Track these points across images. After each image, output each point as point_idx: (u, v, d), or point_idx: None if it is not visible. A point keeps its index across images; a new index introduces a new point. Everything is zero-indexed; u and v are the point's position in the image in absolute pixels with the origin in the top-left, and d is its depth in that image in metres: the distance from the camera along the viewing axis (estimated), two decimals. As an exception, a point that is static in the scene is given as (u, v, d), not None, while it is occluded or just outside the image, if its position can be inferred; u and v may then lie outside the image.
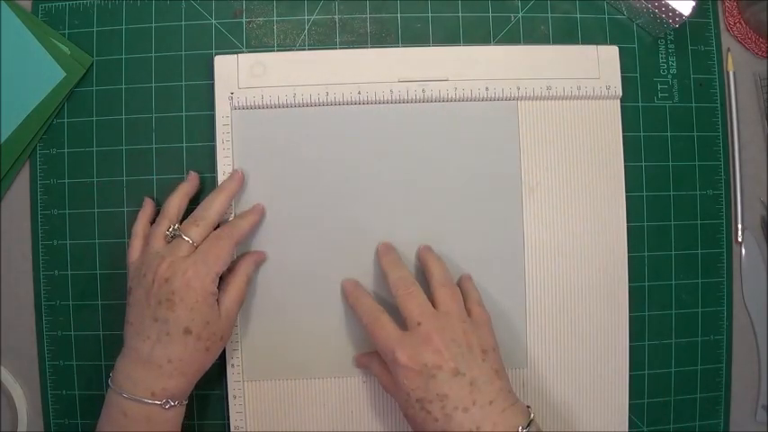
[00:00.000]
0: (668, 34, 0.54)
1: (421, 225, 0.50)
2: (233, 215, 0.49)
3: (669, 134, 0.53)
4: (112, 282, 0.51)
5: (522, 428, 0.40)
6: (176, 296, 0.42)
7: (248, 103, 0.50)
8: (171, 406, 0.42)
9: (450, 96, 0.50)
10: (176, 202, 0.47)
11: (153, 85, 0.51)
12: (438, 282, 0.45)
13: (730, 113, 0.54)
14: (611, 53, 0.52)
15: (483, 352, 0.42)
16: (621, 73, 0.52)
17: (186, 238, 0.44)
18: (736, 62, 0.54)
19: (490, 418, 0.40)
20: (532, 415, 0.41)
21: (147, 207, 0.49)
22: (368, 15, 0.52)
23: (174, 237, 0.45)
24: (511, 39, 0.53)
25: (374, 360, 0.47)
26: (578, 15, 0.53)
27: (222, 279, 0.46)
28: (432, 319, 0.42)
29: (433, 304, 0.44)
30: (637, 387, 0.52)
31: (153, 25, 0.52)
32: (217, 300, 0.44)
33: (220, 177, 0.50)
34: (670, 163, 0.53)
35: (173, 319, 0.42)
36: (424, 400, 0.40)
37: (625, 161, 0.52)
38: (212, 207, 0.46)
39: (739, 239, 0.54)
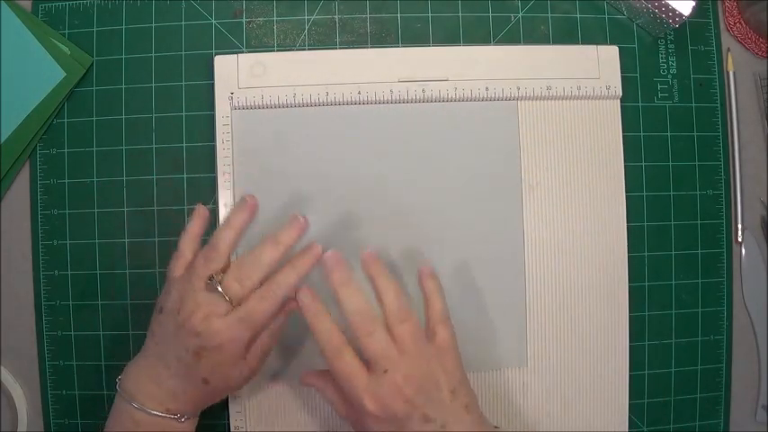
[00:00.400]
0: (668, 34, 0.54)
1: (421, 225, 0.50)
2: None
3: (669, 134, 0.53)
4: (112, 282, 0.51)
5: None
6: (204, 351, 0.40)
7: (248, 103, 0.50)
8: (186, 418, 0.42)
9: (450, 96, 0.50)
10: (229, 238, 0.43)
11: (153, 85, 0.51)
12: (436, 318, 0.42)
13: (730, 113, 0.54)
14: (611, 53, 0.52)
15: (451, 392, 0.40)
16: (621, 73, 0.52)
17: (227, 298, 0.41)
18: (736, 62, 0.54)
19: None
20: None
21: (199, 219, 0.45)
22: (368, 15, 0.52)
23: (214, 286, 0.41)
24: (511, 39, 0.53)
25: (328, 384, 0.44)
26: (578, 15, 0.53)
27: None
28: (399, 364, 0.40)
29: (395, 337, 0.40)
30: (637, 387, 0.52)
31: (153, 25, 0.52)
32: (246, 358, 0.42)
33: (220, 177, 0.50)
34: (670, 163, 0.53)
35: (195, 367, 0.40)
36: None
37: (625, 161, 0.52)
38: (263, 265, 0.42)
39: (739, 239, 0.54)
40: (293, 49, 0.52)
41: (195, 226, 0.45)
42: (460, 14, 0.53)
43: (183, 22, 0.52)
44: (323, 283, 0.42)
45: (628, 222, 0.51)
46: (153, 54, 0.51)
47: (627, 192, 0.52)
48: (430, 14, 0.53)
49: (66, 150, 0.51)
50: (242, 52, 0.51)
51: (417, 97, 0.50)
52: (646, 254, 0.52)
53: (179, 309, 0.41)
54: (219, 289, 0.40)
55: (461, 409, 0.40)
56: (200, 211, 0.45)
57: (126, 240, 0.51)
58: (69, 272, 0.51)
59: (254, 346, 0.43)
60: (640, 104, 0.53)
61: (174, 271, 0.43)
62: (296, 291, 0.42)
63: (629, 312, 0.51)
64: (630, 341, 0.51)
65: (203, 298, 0.41)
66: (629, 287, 0.51)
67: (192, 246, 0.44)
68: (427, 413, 0.39)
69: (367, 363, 0.40)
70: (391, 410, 0.39)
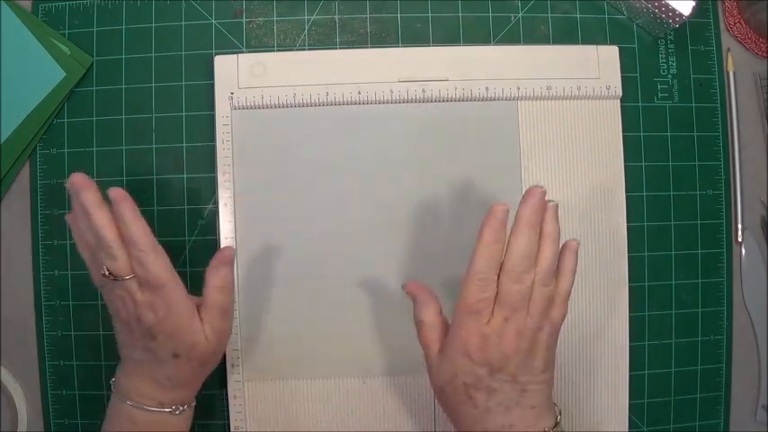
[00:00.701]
0: (668, 34, 0.54)
1: (421, 224, 0.50)
2: (227, 223, 0.49)
3: (669, 134, 0.53)
4: (112, 282, 0.51)
5: (550, 429, 0.40)
6: (155, 329, 0.40)
7: (248, 103, 0.50)
8: (181, 411, 0.42)
9: (450, 96, 0.50)
10: (98, 223, 0.40)
11: (153, 85, 0.51)
12: (560, 295, 0.41)
13: (730, 113, 0.54)
14: (611, 53, 0.52)
15: (545, 366, 0.41)
16: (621, 73, 0.52)
17: (124, 278, 0.40)
18: (736, 62, 0.54)
19: (525, 420, 0.40)
20: (559, 417, 0.41)
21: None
22: (368, 15, 0.52)
23: (111, 277, 0.40)
24: (511, 39, 0.53)
25: (431, 303, 0.43)
26: (578, 15, 0.53)
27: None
28: (519, 320, 0.39)
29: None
30: (637, 387, 0.52)
31: (153, 25, 0.52)
32: (202, 319, 0.42)
33: (220, 177, 0.50)
34: (670, 163, 0.53)
35: (159, 348, 0.41)
36: (471, 386, 0.40)
37: (625, 161, 0.52)
38: (103, 229, 0.39)
39: (739, 239, 0.54)
40: (293, 49, 0.52)
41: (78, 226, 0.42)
42: (460, 14, 0.53)
43: (183, 22, 0.52)
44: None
45: (628, 222, 0.51)
46: (153, 54, 0.51)
47: (627, 192, 0.51)
48: (430, 14, 0.53)
49: (66, 150, 0.51)
50: (242, 52, 0.51)
51: (417, 97, 0.50)
52: (646, 254, 0.52)
53: (116, 310, 0.41)
54: (113, 277, 0.40)
55: (545, 383, 0.41)
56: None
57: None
58: (69, 272, 0.51)
59: (206, 304, 0.42)
60: (640, 104, 0.53)
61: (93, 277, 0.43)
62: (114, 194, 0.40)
63: (629, 312, 0.51)
64: (630, 341, 0.51)
65: (119, 289, 0.40)
66: (629, 287, 0.51)
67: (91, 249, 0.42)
68: (517, 375, 0.39)
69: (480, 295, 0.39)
70: (488, 355, 0.39)
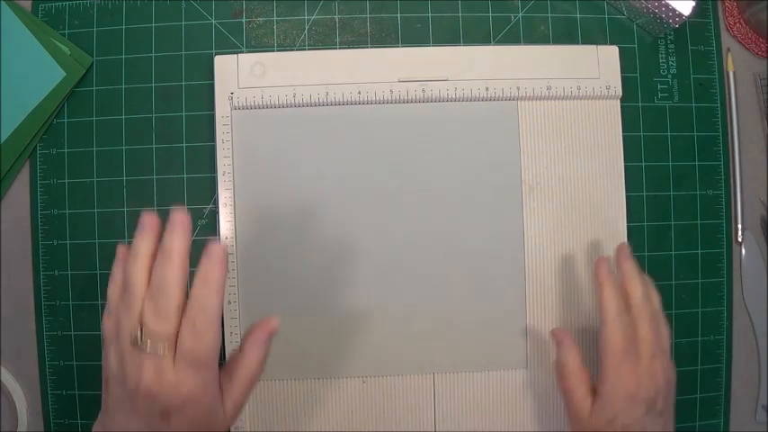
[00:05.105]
0: (668, 34, 0.54)
1: (421, 224, 0.50)
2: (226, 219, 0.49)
3: (669, 134, 0.53)
4: (112, 282, 0.51)
5: None
6: (171, 411, 0.34)
7: (248, 103, 0.50)
8: None
9: (450, 96, 0.50)
10: (139, 272, 0.35)
11: (153, 85, 0.51)
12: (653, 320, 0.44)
13: (730, 113, 0.54)
14: (611, 53, 0.52)
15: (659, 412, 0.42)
16: (621, 73, 0.52)
17: (159, 345, 0.34)
18: (736, 62, 0.54)
19: None
20: None
21: (120, 267, 0.37)
22: (368, 15, 0.52)
23: (142, 341, 0.34)
24: (511, 39, 0.53)
25: (575, 351, 0.44)
26: (578, 15, 0.53)
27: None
28: (662, 359, 0.42)
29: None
30: (637, 387, 0.52)
31: (153, 25, 0.52)
32: (224, 398, 0.36)
33: (220, 177, 0.50)
34: (670, 163, 0.53)
35: (165, 429, 0.34)
36: (629, 426, 0.40)
37: (625, 161, 0.52)
38: (170, 285, 0.34)
39: (739, 239, 0.54)
40: (293, 49, 0.52)
41: (118, 270, 0.37)
42: (460, 14, 0.53)
43: (183, 22, 0.52)
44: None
45: (628, 222, 0.51)
46: (153, 54, 0.51)
47: (627, 192, 0.51)
48: (430, 14, 0.53)
49: (66, 150, 0.51)
50: (242, 52, 0.51)
51: (417, 97, 0.50)
52: (646, 254, 0.52)
53: (124, 376, 0.34)
54: (148, 344, 0.33)
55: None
56: (120, 252, 0.38)
57: (126, 240, 0.51)
58: (69, 272, 0.51)
59: (238, 375, 0.37)
60: (640, 104, 0.53)
61: (104, 328, 0.36)
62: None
63: (629, 312, 0.51)
64: (630, 341, 0.51)
65: (141, 357, 0.34)
66: (630, 287, 0.51)
67: (118, 293, 0.36)
68: (662, 410, 0.41)
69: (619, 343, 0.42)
70: (646, 393, 0.41)
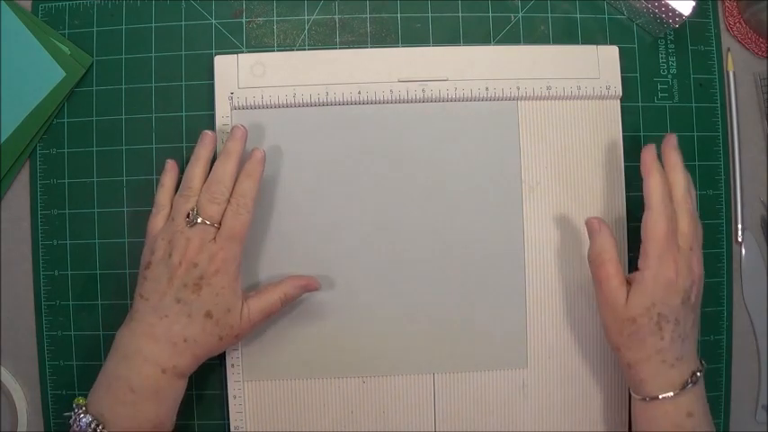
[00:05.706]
0: (668, 34, 0.54)
1: (421, 224, 0.50)
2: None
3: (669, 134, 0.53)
4: (112, 282, 0.51)
5: (702, 367, 0.43)
6: (204, 281, 0.42)
7: (248, 103, 0.50)
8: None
9: (450, 96, 0.50)
10: (199, 172, 0.46)
11: (153, 85, 0.51)
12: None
13: (730, 113, 0.54)
14: (611, 53, 0.52)
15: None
16: (621, 73, 0.52)
17: (209, 223, 0.44)
18: (736, 62, 0.54)
19: (691, 353, 0.43)
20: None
21: (171, 172, 0.48)
22: (368, 15, 0.52)
23: (194, 219, 0.44)
24: (511, 39, 0.53)
25: (613, 240, 0.44)
26: (578, 15, 0.53)
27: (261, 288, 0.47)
28: (698, 252, 0.44)
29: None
30: (637, 387, 0.52)
31: (153, 25, 0.52)
32: (246, 300, 0.45)
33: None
34: (670, 163, 0.53)
35: (197, 302, 0.42)
36: (664, 317, 0.41)
37: (625, 161, 0.52)
38: (226, 177, 0.45)
39: (739, 239, 0.54)
40: (293, 49, 0.52)
41: (168, 179, 0.48)
42: (460, 14, 0.53)
43: (183, 22, 0.52)
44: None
45: (628, 222, 0.51)
46: (153, 54, 0.51)
47: (627, 192, 0.51)
48: (430, 14, 0.53)
49: (66, 150, 0.51)
50: (242, 52, 0.51)
51: (417, 97, 0.50)
52: (646, 254, 0.52)
53: (171, 252, 0.43)
54: (199, 220, 0.43)
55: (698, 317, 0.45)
56: (170, 166, 0.48)
57: (126, 240, 0.51)
58: (69, 272, 0.51)
59: (259, 297, 0.45)
60: (640, 104, 0.53)
61: (154, 226, 0.46)
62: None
63: (630, 312, 0.51)
64: (630, 341, 0.51)
65: (192, 232, 0.43)
66: (630, 287, 0.51)
67: (169, 197, 0.47)
68: (695, 304, 0.44)
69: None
70: (685, 282, 0.42)
